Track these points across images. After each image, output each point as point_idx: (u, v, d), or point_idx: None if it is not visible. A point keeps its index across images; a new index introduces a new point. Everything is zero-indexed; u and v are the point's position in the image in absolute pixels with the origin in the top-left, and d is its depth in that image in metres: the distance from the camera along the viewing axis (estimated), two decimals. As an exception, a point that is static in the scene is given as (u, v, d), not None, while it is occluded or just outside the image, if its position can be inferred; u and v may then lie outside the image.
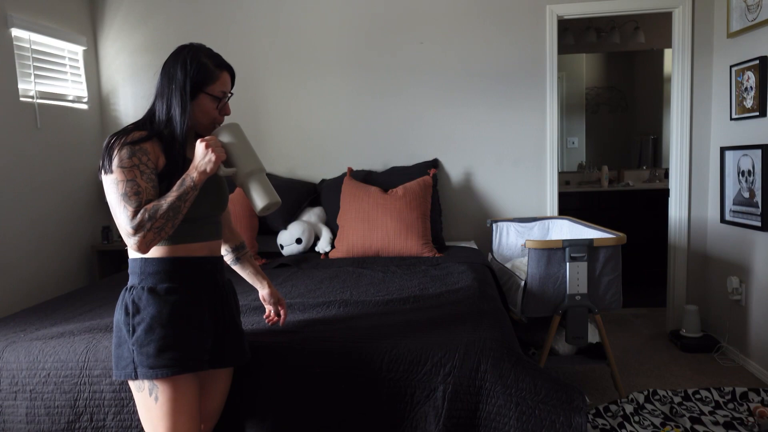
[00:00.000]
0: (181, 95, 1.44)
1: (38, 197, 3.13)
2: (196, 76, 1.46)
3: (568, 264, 2.48)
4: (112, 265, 3.69)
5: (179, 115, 1.45)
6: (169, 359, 1.39)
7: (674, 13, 3.41)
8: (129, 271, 1.49)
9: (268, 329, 1.89)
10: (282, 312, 1.83)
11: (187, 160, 1.48)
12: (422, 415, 1.64)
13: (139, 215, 1.34)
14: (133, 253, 1.48)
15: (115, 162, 1.38)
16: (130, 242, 1.35)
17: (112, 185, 1.37)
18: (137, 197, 1.36)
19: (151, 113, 1.50)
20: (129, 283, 1.48)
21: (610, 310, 2.59)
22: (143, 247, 1.35)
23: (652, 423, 2.46)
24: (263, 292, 1.80)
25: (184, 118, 1.45)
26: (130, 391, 1.74)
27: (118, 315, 1.46)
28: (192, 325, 1.45)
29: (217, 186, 1.57)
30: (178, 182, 1.38)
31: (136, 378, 1.41)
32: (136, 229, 1.33)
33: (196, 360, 1.44)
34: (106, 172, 1.39)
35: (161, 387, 1.40)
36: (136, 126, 1.46)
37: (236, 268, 1.79)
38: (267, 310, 1.84)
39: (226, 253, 1.77)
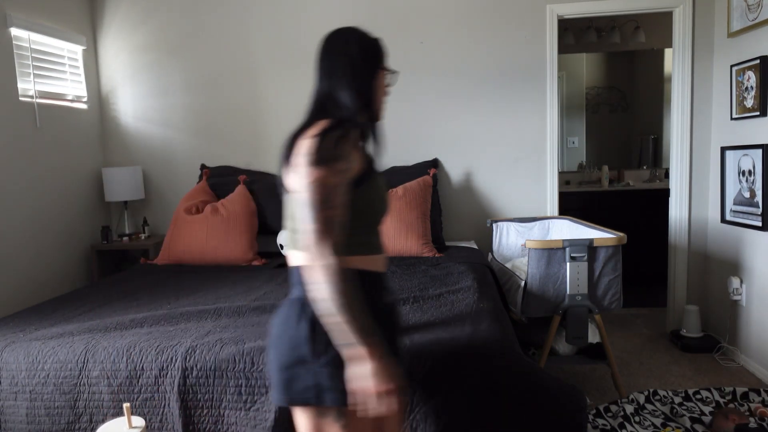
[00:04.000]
0: (367, 75, 1.29)
1: (38, 197, 3.13)
2: (373, 53, 1.31)
3: (568, 264, 2.48)
4: (111, 265, 3.68)
5: (371, 98, 1.30)
6: None
7: (675, 12, 3.41)
8: (304, 279, 1.25)
9: (268, 330, 1.88)
10: None
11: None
12: (422, 416, 1.63)
13: (328, 253, 1.13)
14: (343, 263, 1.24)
15: (324, 163, 1.17)
16: (312, 252, 1.15)
17: (312, 183, 1.17)
18: (332, 220, 1.16)
19: (324, 103, 1.31)
20: (308, 294, 1.24)
21: (610, 310, 2.59)
22: (315, 270, 1.14)
23: (653, 423, 2.46)
24: None
25: (376, 98, 1.30)
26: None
27: (296, 331, 1.22)
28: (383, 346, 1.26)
29: (385, 192, 1.36)
30: (361, 322, 1.13)
31: (321, 403, 1.20)
32: (319, 256, 1.14)
33: None
34: (315, 164, 1.17)
35: (351, 413, 1.23)
36: (338, 123, 1.23)
37: None
38: None
39: None
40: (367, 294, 1.26)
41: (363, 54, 1.30)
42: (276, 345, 1.26)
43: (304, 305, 1.24)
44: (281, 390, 1.24)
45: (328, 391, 1.20)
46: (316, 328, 1.21)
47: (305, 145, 1.21)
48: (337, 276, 1.13)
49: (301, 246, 1.19)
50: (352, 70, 1.29)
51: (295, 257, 1.30)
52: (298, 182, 1.20)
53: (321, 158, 1.17)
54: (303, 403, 1.22)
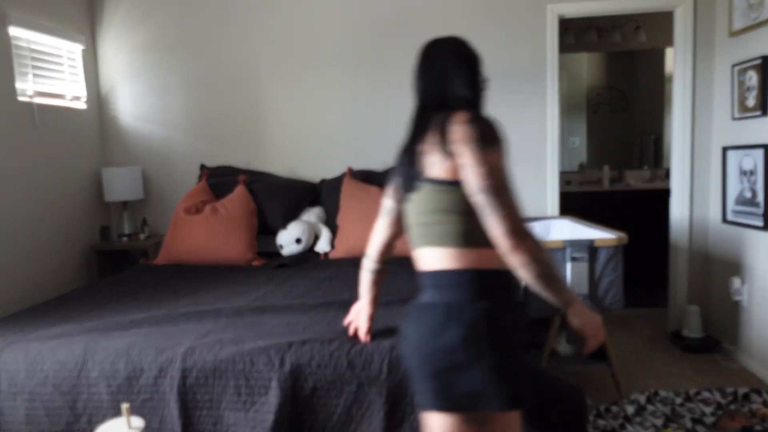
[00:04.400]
0: (478, 73, 1.38)
1: (37, 197, 3.12)
2: (474, 53, 1.40)
3: (569, 264, 2.47)
4: (111, 265, 3.68)
5: (481, 93, 1.37)
6: (525, 386, 1.22)
7: (676, 12, 3.40)
8: (449, 282, 1.25)
9: (268, 330, 1.88)
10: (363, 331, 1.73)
11: None
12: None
13: (525, 232, 1.17)
14: (460, 262, 1.25)
15: (495, 145, 1.21)
16: (507, 243, 1.17)
17: (492, 169, 1.19)
18: (514, 200, 1.20)
19: (443, 98, 1.35)
20: (458, 297, 1.23)
21: (611, 310, 2.58)
22: (523, 251, 1.17)
23: (654, 424, 2.45)
24: (368, 313, 1.70)
25: (483, 94, 1.38)
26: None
27: (446, 338, 1.20)
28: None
29: None
30: (564, 281, 1.21)
31: (480, 409, 1.18)
32: (521, 237, 1.16)
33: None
34: (488, 147, 1.20)
35: (512, 418, 1.22)
36: (477, 113, 1.27)
37: (367, 277, 1.63)
38: (352, 323, 1.76)
39: (374, 263, 1.61)
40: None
41: (470, 53, 1.39)
42: (421, 353, 1.23)
43: (451, 310, 1.22)
44: (435, 397, 1.21)
45: (491, 396, 1.18)
46: (469, 335, 1.19)
47: (466, 131, 1.23)
48: (540, 250, 1.17)
49: (505, 233, 1.17)
50: (468, 68, 1.37)
51: (428, 256, 1.29)
52: (477, 169, 1.20)
53: (490, 141, 1.21)
54: (460, 409, 1.20)
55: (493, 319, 1.21)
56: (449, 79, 1.35)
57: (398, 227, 1.54)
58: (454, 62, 1.37)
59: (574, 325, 1.27)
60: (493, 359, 1.18)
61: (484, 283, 1.24)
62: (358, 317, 1.74)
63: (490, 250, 1.25)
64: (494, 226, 1.18)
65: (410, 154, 1.33)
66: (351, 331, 1.76)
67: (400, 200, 1.44)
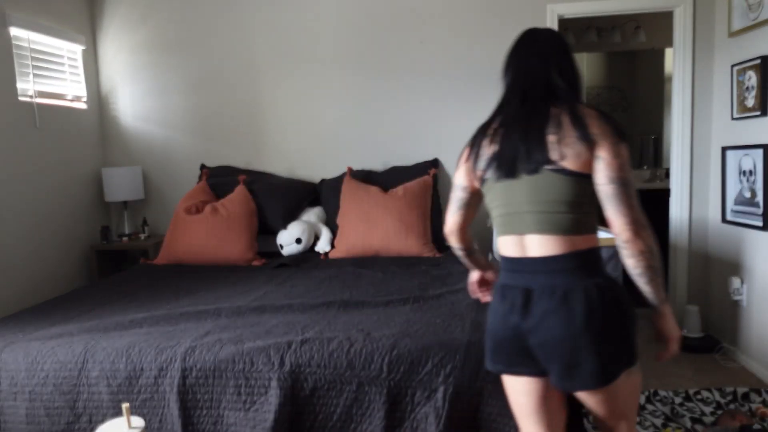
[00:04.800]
0: (576, 65, 1.45)
1: (37, 197, 3.12)
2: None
3: (569, 264, 2.47)
4: (111, 265, 3.68)
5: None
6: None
7: (675, 12, 3.40)
8: (583, 262, 1.31)
9: (267, 330, 1.88)
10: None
11: None
12: (423, 416, 1.63)
13: (647, 222, 1.31)
14: (580, 246, 1.32)
15: (625, 140, 1.31)
16: (639, 224, 1.28)
17: (626, 162, 1.31)
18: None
19: (552, 88, 1.38)
20: (593, 276, 1.31)
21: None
22: (642, 240, 1.28)
23: (653, 424, 2.45)
24: (477, 277, 1.71)
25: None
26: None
27: (617, 315, 1.29)
28: None
29: None
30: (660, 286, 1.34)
31: (633, 366, 1.34)
32: (645, 226, 1.30)
33: None
34: (621, 142, 1.30)
35: (637, 370, 1.40)
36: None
37: (465, 260, 1.68)
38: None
39: (460, 250, 1.65)
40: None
41: (569, 47, 1.44)
42: (602, 332, 1.27)
43: (606, 289, 1.30)
44: (606, 370, 1.29)
45: (632, 355, 1.32)
46: (625, 306, 1.32)
47: (602, 126, 1.30)
48: (654, 242, 1.29)
49: (630, 222, 1.28)
50: (571, 61, 1.41)
51: (544, 242, 1.33)
52: (612, 162, 1.28)
53: (623, 136, 1.30)
54: (628, 366, 1.32)
55: (623, 292, 1.34)
56: (556, 69, 1.39)
57: (473, 211, 1.59)
58: (559, 53, 1.40)
59: (660, 325, 1.38)
60: (632, 324, 1.32)
61: (600, 264, 1.35)
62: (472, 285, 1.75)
63: (595, 236, 1.38)
64: (620, 215, 1.28)
65: (536, 139, 1.32)
66: (479, 297, 1.77)
67: (493, 179, 1.42)
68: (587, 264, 1.32)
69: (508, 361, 1.40)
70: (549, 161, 1.31)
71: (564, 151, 1.29)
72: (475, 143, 1.46)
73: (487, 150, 1.43)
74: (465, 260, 1.68)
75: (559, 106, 1.34)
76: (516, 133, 1.36)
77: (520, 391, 1.42)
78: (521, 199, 1.36)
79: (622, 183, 1.28)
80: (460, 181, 1.54)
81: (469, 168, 1.49)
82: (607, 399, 1.35)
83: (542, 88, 1.38)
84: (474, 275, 1.72)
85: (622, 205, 1.28)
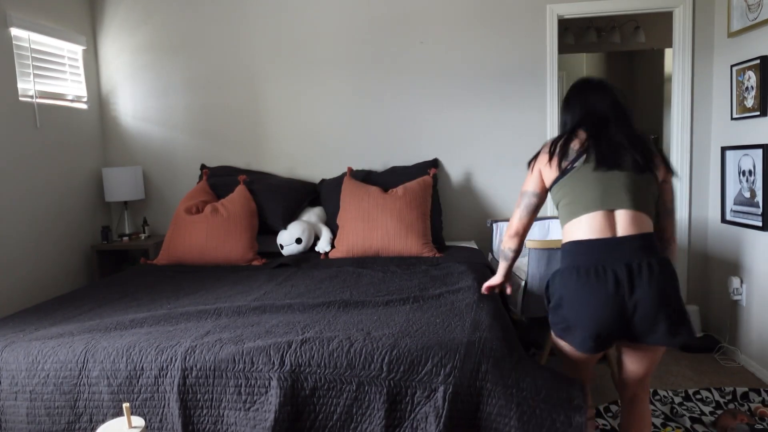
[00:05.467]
0: None
1: (38, 197, 3.13)
2: None
3: (568, 264, 2.48)
4: (111, 265, 3.68)
5: None
6: None
7: (675, 12, 3.40)
8: (655, 241, 1.69)
9: (268, 330, 1.88)
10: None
11: None
12: (423, 416, 1.63)
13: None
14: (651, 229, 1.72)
15: None
16: (673, 235, 1.87)
17: None
18: None
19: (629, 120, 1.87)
20: (660, 253, 1.71)
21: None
22: (675, 242, 1.92)
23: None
24: (498, 281, 2.10)
25: None
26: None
27: (675, 283, 1.65)
28: None
29: None
30: None
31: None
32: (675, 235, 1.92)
33: None
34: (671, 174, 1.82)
35: None
36: None
37: (504, 264, 2.04)
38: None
39: (513, 252, 2.00)
40: None
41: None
42: (677, 294, 1.64)
43: (669, 262, 1.68)
44: (689, 330, 1.63)
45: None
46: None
47: (667, 161, 1.83)
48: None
49: (672, 220, 1.85)
50: (623, 97, 1.91)
51: (643, 220, 1.70)
52: (672, 189, 1.86)
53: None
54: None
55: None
56: (618, 101, 1.87)
57: (535, 216, 1.93)
58: (615, 92, 1.90)
59: None
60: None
61: None
62: (491, 281, 2.11)
63: None
64: (672, 224, 1.85)
65: (642, 150, 1.75)
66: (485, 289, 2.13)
67: (589, 168, 1.75)
68: (656, 244, 1.69)
69: (603, 342, 1.64)
70: (651, 169, 1.74)
71: (657, 163, 1.77)
72: (555, 150, 1.81)
73: (575, 150, 1.78)
74: (507, 263, 2.00)
75: (639, 131, 1.82)
76: (620, 140, 1.77)
77: (588, 357, 1.76)
78: (620, 185, 1.71)
79: (674, 205, 1.84)
80: (533, 188, 1.88)
81: (552, 165, 1.81)
82: (657, 357, 1.76)
83: (620, 114, 1.83)
84: (498, 279, 2.06)
85: (673, 218, 1.85)
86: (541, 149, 1.88)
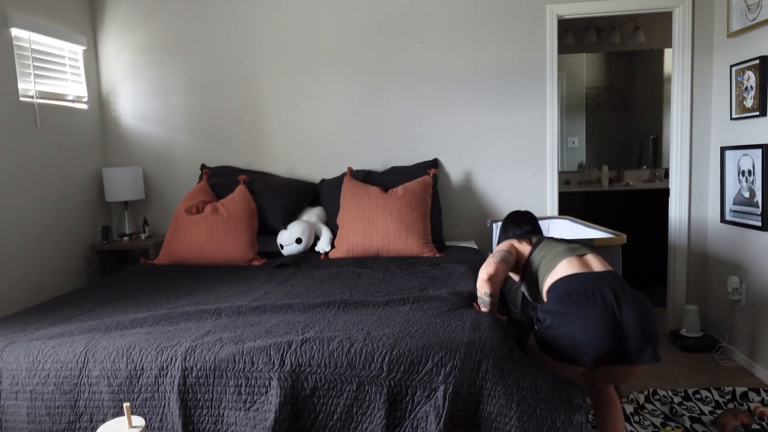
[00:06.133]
0: None
1: (38, 197, 3.13)
2: None
3: (568, 264, 2.48)
4: (112, 265, 3.69)
5: None
6: None
7: (674, 12, 3.41)
8: (621, 278, 1.91)
9: (268, 330, 1.89)
10: None
11: None
12: (423, 415, 1.64)
13: None
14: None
15: None
16: None
17: None
18: None
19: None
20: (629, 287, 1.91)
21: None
22: None
23: (653, 423, 2.46)
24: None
25: None
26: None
27: (653, 311, 1.83)
28: None
29: None
30: None
31: None
32: None
33: None
34: None
35: None
36: None
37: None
38: None
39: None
40: None
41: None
42: (655, 321, 1.79)
43: (642, 294, 1.85)
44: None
45: None
46: None
47: None
48: None
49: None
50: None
51: (609, 266, 1.97)
52: None
53: None
54: None
55: None
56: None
57: (509, 268, 2.14)
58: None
59: None
60: None
61: None
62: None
63: None
64: None
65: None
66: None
67: (547, 249, 2.08)
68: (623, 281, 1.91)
69: (607, 356, 1.74)
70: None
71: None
72: (519, 235, 2.26)
73: (525, 243, 2.15)
74: (487, 308, 2.06)
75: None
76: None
77: (576, 371, 1.86)
78: (580, 244, 2.07)
79: None
80: (507, 247, 2.13)
81: (522, 243, 2.15)
82: (638, 374, 1.90)
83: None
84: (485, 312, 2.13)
85: None
86: (505, 247, 2.13)
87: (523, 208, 3.59)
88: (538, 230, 2.31)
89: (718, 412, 2.53)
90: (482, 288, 2.03)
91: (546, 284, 1.96)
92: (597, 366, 1.75)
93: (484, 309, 2.05)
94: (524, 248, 2.12)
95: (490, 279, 2.01)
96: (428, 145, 3.61)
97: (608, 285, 1.81)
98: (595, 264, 1.93)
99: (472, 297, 2.20)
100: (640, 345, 1.74)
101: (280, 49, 3.64)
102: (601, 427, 2.06)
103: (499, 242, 2.24)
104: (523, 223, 2.32)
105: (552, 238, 2.12)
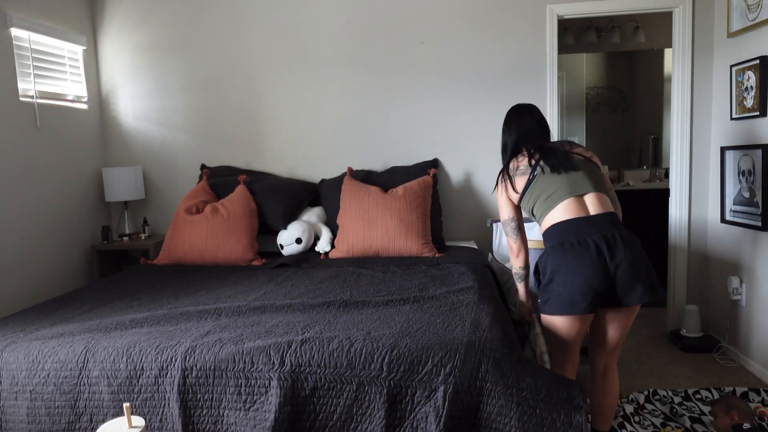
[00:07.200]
0: None
1: (38, 197, 3.13)
2: None
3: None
4: (111, 265, 3.69)
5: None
6: None
7: (674, 12, 3.41)
8: (617, 220, 1.99)
9: (268, 330, 1.89)
10: None
11: None
12: (423, 416, 1.64)
13: None
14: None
15: None
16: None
17: None
18: None
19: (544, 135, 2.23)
20: (623, 229, 1.99)
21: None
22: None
23: (653, 423, 2.46)
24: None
25: None
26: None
27: (643, 252, 1.94)
28: None
29: None
30: None
31: None
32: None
33: None
34: None
35: None
36: None
37: (526, 279, 2.26)
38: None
39: (522, 269, 2.26)
40: None
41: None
42: (647, 261, 1.90)
43: (634, 235, 1.93)
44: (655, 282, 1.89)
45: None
46: None
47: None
48: None
49: (613, 198, 2.13)
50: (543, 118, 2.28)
51: (603, 201, 1.99)
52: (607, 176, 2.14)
53: None
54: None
55: None
56: (546, 122, 2.24)
57: (524, 231, 2.19)
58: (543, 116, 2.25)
59: None
60: None
61: None
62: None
63: None
64: (616, 200, 2.15)
65: (563, 151, 2.06)
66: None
67: (547, 173, 2.03)
68: (619, 221, 1.99)
69: (593, 301, 1.85)
70: (590, 160, 2.08)
71: (591, 155, 2.11)
72: (510, 174, 2.11)
73: (523, 165, 2.07)
74: (523, 281, 2.22)
75: (562, 143, 2.15)
76: (557, 147, 2.10)
77: (579, 327, 1.94)
78: (580, 177, 2.00)
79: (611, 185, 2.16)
80: (508, 214, 2.15)
81: (514, 185, 2.09)
82: (632, 319, 1.99)
83: (544, 127, 2.20)
84: (523, 299, 2.28)
85: (615, 196, 2.15)
86: (498, 182, 2.16)
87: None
88: (539, 133, 2.17)
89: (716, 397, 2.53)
90: (515, 264, 2.21)
91: (543, 225, 2.02)
92: (593, 309, 1.86)
93: (519, 284, 2.23)
94: (515, 194, 2.10)
95: (519, 252, 2.18)
96: (428, 145, 3.61)
97: (601, 230, 1.89)
98: (593, 205, 1.95)
99: (473, 297, 2.19)
100: (631, 286, 1.85)
101: (281, 48, 3.64)
102: (592, 401, 2.15)
103: (503, 148, 2.24)
104: (514, 131, 2.19)
105: (545, 175, 2.02)
